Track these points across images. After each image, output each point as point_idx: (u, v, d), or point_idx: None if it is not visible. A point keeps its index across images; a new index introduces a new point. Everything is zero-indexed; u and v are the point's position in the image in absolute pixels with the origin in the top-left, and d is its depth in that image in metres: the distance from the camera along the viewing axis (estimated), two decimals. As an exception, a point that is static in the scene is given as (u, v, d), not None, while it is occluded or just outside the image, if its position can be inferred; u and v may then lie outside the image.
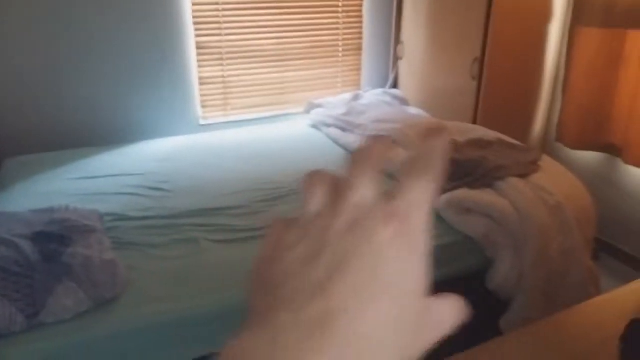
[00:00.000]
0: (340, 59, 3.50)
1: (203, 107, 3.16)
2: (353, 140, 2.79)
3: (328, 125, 3.03)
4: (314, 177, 0.29)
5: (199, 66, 3.07)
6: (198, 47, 3.03)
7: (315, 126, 3.13)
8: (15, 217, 1.90)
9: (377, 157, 0.29)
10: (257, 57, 3.22)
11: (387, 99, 3.31)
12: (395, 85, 3.56)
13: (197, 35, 3.01)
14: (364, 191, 0.27)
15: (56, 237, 1.77)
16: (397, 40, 3.50)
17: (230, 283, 1.72)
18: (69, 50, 2.71)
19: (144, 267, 1.77)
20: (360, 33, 3.50)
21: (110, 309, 1.57)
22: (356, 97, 3.31)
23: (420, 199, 0.27)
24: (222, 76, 3.17)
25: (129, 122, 2.94)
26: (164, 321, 1.57)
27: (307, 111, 3.27)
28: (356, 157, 0.29)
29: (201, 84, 3.11)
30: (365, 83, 3.58)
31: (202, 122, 3.15)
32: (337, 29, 3.43)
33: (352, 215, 0.26)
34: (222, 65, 3.15)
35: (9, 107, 2.67)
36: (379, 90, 3.41)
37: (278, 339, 0.22)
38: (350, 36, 3.49)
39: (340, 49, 3.48)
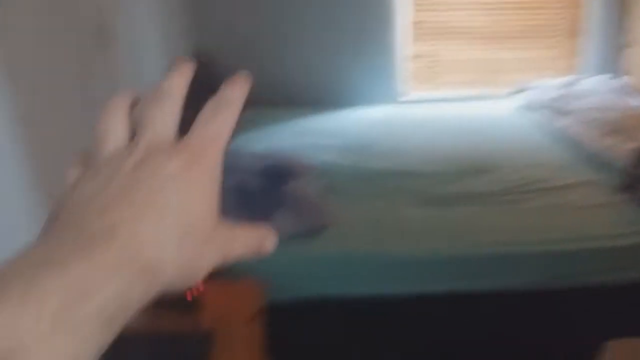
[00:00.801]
0: (556, 41, 3.30)
1: (408, 81, 3.28)
2: (565, 125, 2.64)
3: (538, 108, 2.90)
4: (112, 109, 0.30)
5: (409, 42, 3.19)
6: (411, 24, 3.15)
7: (523, 108, 3.02)
8: (247, 155, 2.24)
9: (175, 92, 0.30)
10: (468, 34, 3.22)
11: (609, 87, 3.03)
12: (620, 74, 3.22)
13: (413, 12, 3.12)
14: (160, 127, 0.29)
15: (278, 174, 2.06)
16: (625, 27, 3.16)
17: (418, 237, 1.81)
18: (291, 17, 3.05)
19: (345, 212, 1.95)
20: (581, 16, 3.24)
21: (315, 240, 1.79)
22: (572, 82, 3.09)
23: (213, 135, 0.29)
24: (431, 52, 3.24)
25: (340, 88, 3.19)
26: (358, 257, 1.73)
27: (516, 93, 3.16)
28: (155, 92, 0.30)
29: (408, 59, 3.22)
30: (582, 68, 3.32)
31: (406, 95, 3.27)
32: (556, 9, 3.23)
33: (143, 152, 0.28)
34: (432, 40, 3.22)
35: (238, 67, 3.11)
36: (600, 77, 3.13)
37: (61, 248, 0.24)
38: (569, 18, 3.25)
39: (558, 31, 3.27)
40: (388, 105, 3.15)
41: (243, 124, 2.76)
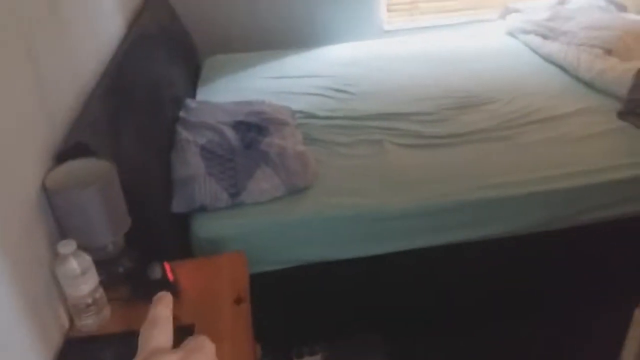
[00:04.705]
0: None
1: (389, 11, 3.03)
2: (557, 49, 2.47)
3: (527, 32, 2.71)
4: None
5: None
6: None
7: (511, 33, 2.83)
8: (218, 107, 2.05)
9: (165, 319, 0.38)
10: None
11: (601, 3, 2.83)
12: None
13: None
14: (156, 344, 0.36)
15: (255, 126, 1.88)
16: None
17: (413, 184, 1.68)
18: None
19: (331, 162, 1.81)
20: None
21: (302, 197, 1.64)
22: (562, 1, 2.89)
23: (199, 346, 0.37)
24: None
25: (316, 27, 2.94)
26: (348, 214, 1.60)
27: (503, 16, 2.95)
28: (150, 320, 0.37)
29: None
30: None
31: (387, 27, 3.04)
32: None
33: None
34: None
35: (209, 10, 2.83)
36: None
37: None
38: None
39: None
40: (368, 40, 2.92)
41: (212, 72, 2.55)
